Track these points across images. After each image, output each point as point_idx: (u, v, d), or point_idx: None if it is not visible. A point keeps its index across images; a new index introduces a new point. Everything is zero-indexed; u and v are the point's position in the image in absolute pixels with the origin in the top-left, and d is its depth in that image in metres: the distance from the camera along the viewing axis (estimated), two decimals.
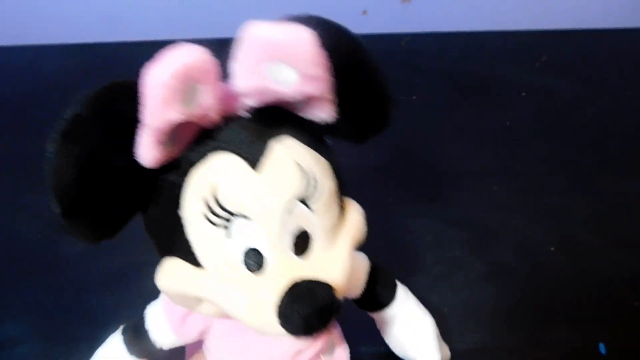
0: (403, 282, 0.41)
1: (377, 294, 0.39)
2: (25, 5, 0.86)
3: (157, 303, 0.36)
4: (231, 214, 0.28)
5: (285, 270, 0.29)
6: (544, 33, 0.86)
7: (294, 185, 0.28)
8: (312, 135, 0.30)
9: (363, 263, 0.39)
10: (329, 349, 0.39)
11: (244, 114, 0.29)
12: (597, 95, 0.74)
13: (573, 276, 0.53)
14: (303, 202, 0.29)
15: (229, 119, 0.29)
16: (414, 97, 0.75)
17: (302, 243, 0.29)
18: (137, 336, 0.36)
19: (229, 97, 0.28)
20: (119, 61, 0.70)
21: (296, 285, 0.28)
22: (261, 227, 0.28)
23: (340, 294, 0.29)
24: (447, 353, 0.43)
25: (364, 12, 0.84)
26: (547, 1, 0.88)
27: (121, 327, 0.37)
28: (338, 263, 0.30)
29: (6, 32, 0.86)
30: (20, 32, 0.86)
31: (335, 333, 0.40)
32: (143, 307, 0.37)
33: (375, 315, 0.41)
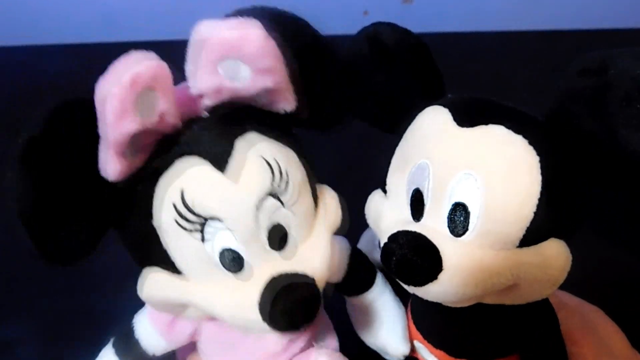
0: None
1: (357, 278, 0.39)
2: (25, 5, 0.86)
3: (143, 311, 0.36)
4: (202, 217, 0.27)
5: (263, 267, 0.29)
6: (544, 33, 0.86)
7: (262, 182, 0.28)
8: (277, 127, 0.30)
9: (344, 247, 0.39)
10: (320, 336, 0.39)
11: (205, 114, 0.29)
12: None
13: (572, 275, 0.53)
14: (273, 195, 0.29)
15: (191, 122, 0.29)
16: None
17: (278, 237, 0.30)
18: (128, 347, 0.36)
19: (188, 100, 0.28)
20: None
21: (274, 280, 0.28)
22: (233, 227, 0.28)
23: (321, 282, 0.29)
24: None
25: (365, 13, 0.84)
26: (547, 1, 0.88)
27: (111, 340, 0.37)
28: (316, 252, 0.30)
29: (6, 32, 0.86)
30: (20, 32, 0.86)
31: (324, 320, 0.40)
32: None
33: (352, 300, 0.41)
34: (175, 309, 0.31)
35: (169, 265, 0.29)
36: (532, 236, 0.28)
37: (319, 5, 0.88)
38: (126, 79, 0.23)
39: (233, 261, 0.29)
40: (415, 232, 0.29)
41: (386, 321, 0.40)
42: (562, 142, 0.28)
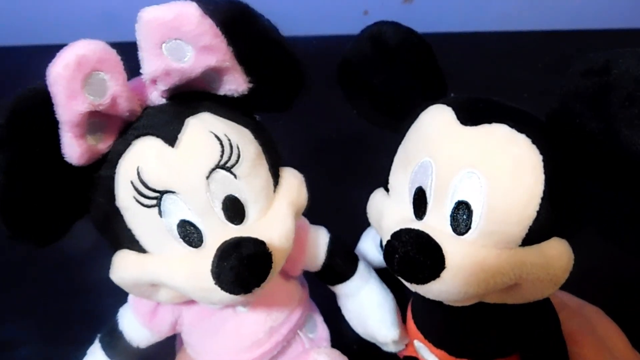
0: None
1: (337, 266, 0.40)
2: (25, 5, 0.86)
3: (127, 304, 0.37)
4: (158, 191, 0.29)
5: (221, 238, 0.29)
6: (545, 33, 0.86)
7: (210, 154, 0.29)
8: (232, 110, 0.31)
9: (322, 235, 0.39)
10: (309, 326, 0.39)
11: (161, 100, 0.30)
12: None
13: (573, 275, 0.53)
14: (224, 168, 0.30)
15: (149, 108, 0.30)
16: None
17: (235, 211, 0.31)
18: (113, 340, 0.37)
19: (144, 87, 0.30)
20: None
21: (224, 243, 0.29)
22: (187, 199, 0.29)
23: (280, 253, 0.30)
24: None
25: (365, 12, 0.84)
26: (547, 1, 0.88)
27: (98, 336, 0.38)
28: (273, 223, 0.31)
29: (6, 32, 0.86)
30: (20, 32, 0.86)
31: (314, 310, 0.41)
32: None
33: (336, 289, 0.41)
34: (147, 291, 0.32)
35: (135, 245, 0.30)
36: (534, 235, 0.28)
37: (319, 5, 0.88)
38: (72, 60, 0.25)
39: (191, 234, 0.30)
40: (417, 230, 0.29)
41: (372, 308, 0.40)
42: (564, 141, 0.29)
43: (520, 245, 0.28)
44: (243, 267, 0.28)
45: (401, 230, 0.29)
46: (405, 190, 0.32)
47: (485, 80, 0.78)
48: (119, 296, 0.50)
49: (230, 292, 0.29)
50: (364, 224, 0.36)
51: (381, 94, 0.35)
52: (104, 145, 0.29)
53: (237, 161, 0.30)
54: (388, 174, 0.34)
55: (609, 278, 0.53)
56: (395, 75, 0.33)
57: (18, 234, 0.28)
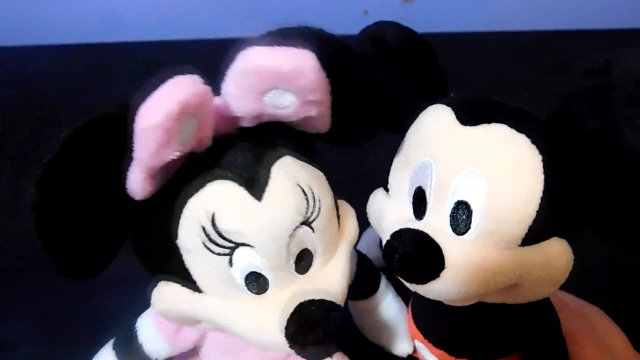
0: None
1: (363, 284, 0.39)
2: (25, 5, 0.86)
3: (148, 316, 0.36)
4: (233, 243, 0.27)
5: (286, 288, 0.28)
6: (545, 33, 0.86)
7: (297, 211, 0.28)
8: (306, 146, 0.30)
9: (353, 255, 0.39)
10: None
11: (235, 132, 0.28)
12: None
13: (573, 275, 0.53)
14: (306, 223, 0.28)
15: (222, 139, 0.28)
16: None
17: (306, 263, 0.30)
18: (130, 350, 0.36)
19: (221, 117, 0.27)
20: (119, 61, 0.70)
21: (302, 307, 0.27)
22: (264, 255, 0.27)
23: (340, 301, 0.29)
24: None
25: (365, 12, 0.84)
26: (548, 2, 0.88)
27: (111, 342, 0.37)
28: (337, 272, 0.30)
29: (6, 32, 0.86)
30: (20, 32, 0.86)
31: None
32: (145, 310, 0.37)
33: (356, 303, 0.41)
34: (189, 322, 0.31)
35: (188, 282, 0.29)
36: (534, 235, 0.28)
37: (319, 5, 0.88)
38: (174, 109, 0.22)
39: (258, 283, 0.28)
40: (417, 230, 0.29)
41: (389, 322, 0.40)
42: (564, 141, 0.28)
43: (520, 245, 0.28)
44: (312, 329, 0.27)
45: (401, 230, 0.29)
46: (405, 190, 0.32)
47: (485, 80, 0.77)
48: (120, 297, 0.50)
49: (301, 351, 0.28)
50: (364, 224, 0.36)
51: (381, 94, 0.35)
52: (166, 176, 0.26)
53: (317, 215, 0.29)
54: (388, 174, 0.34)
55: (609, 278, 0.53)
56: (395, 75, 0.33)
57: (64, 267, 0.26)
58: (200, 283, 0.28)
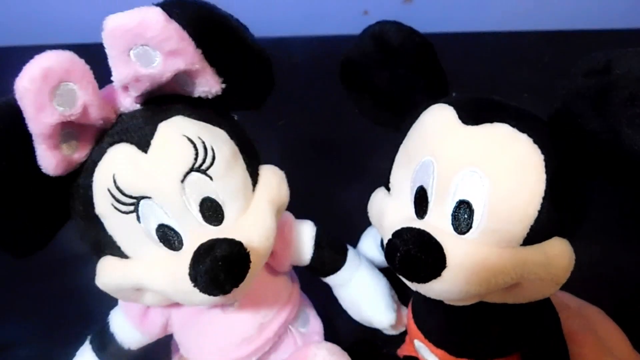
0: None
1: (326, 259, 0.40)
2: (25, 5, 0.86)
3: (118, 306, 0.37)
4: (134, 197, 0.29)
5: (199, 239, 0.29)
6: (545, 34, 0.86)
7: (183, 157, 0.29)
8: (206, 111, 0.31)
9: (308, 229, 0.39)
10: (301, 320, 0.39)
11: (136, 106, 0.31)
12: None
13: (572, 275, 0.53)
14: (199, 170, 0.30)
15: (123, 114, 0.30)
16: None
17: (213, 212, 0.31)
18: (104, 342, 0.37)
19: (117, 94, 0.30)
20: None
21: (201, 245, 0.29)
22: (162, 203, 0.29)
23: (260, 251, 0.31)
24: (403, 313, 0.43)
25: (365, 12, 0.84)
26: (548, 2, 0.88)
27: (88, 337, 0.38)
28: (252, 223, 0.31)
29: (6, 32, 0.86)
30: (20, 32, 0.86)
31: (306, 304, 0.41)
32: None
33: (329, 280, 0.41)
34: (133, 295, 0.32)
35: (116, 250, 0.31)
36: (536, 235, 0.28)
37: (319, 5, 0.88)
38: (38, 73, 0.25)
39: (171, 237, 0.30)
40: (419, 229, 0.29)
41: (365, 294, 0.41)
42: (566, 141, 0.29)
43: (521, 245, 0.28)
44: (218, 269, 0.28)
45: (402, 229, 0.29)
46: (407, 189, 0.32)
47: (486, 80, 0.77)
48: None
49: (208, 294, 0.29)
50: (363, 224, 0.36)
51: (383, 93, 0.35)
52: (80, 154, 0.29)
53: (211, 163, 0.30)
54: (389, 173, 0.34)
55: (609, 278, 0.53)
56: (397, 75, 0.33)
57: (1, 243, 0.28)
58: (124, 248, 0.31)
